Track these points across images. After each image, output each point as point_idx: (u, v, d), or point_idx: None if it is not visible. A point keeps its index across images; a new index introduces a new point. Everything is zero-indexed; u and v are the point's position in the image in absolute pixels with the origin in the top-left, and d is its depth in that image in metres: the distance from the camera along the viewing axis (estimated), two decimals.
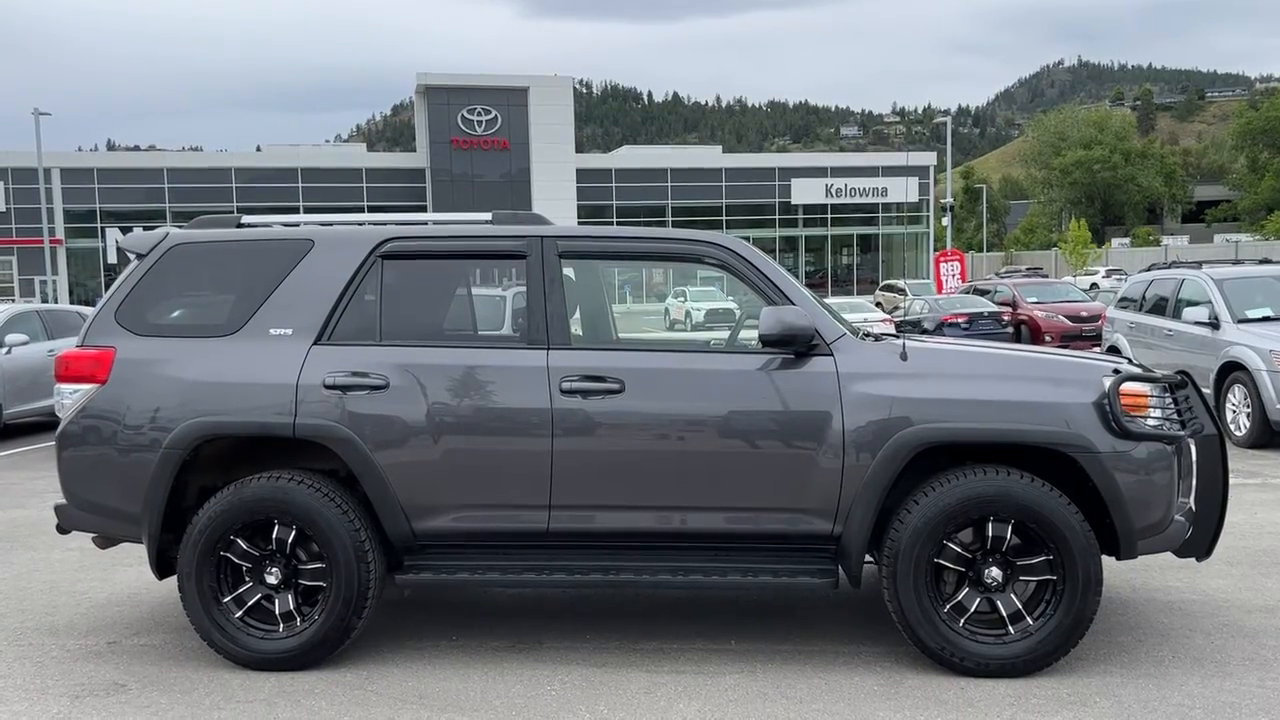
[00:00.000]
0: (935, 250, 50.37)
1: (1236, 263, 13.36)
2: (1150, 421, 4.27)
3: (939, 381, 4.32)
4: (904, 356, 4.38)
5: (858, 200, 59.07)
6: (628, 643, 4.70)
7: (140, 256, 4.73)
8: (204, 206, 46.61)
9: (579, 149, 62.47)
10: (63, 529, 4.73)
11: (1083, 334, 20.19)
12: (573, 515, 4.40)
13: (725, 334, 6.11)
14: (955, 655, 4.19)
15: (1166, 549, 4.42)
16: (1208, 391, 10.11)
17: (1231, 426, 10.01)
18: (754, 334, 4.44)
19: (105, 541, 4.82)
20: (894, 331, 9.22)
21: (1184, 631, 4.72)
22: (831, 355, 4.36)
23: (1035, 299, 22.74)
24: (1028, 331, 21.78)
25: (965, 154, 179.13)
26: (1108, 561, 4.38)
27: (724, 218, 56.58)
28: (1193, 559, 4.57)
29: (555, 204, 50.01)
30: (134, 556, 5.71)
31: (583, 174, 56.28)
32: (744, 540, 4.43)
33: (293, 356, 4.46)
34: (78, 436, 4.53)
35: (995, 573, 4.23)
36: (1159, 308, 11.89)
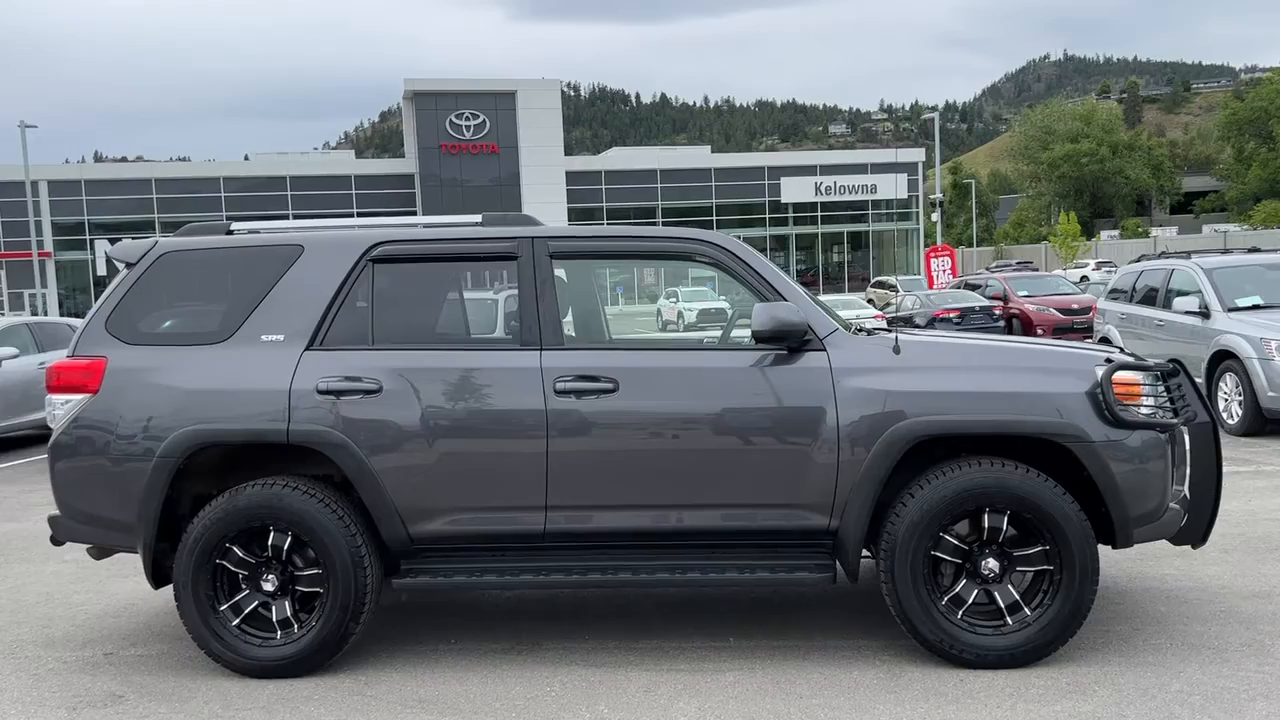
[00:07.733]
0: (926, 246, 50.46)
1: (1225, 252, 13.39)
2: (1143, 410, 4.28)
3: (933, 374, 4.33)
4: (897, 350, 4.38)
5: (847, 198, 59.17)
6: (627, 642, 4.70)
7: (130, 265, 4.71)
8: (192, 216, 46.32)
9: (568, 151, 62.45)
10: (57, 540, 4.71)
11: (1074, 326, 20.28)
12: (569, 516, 4.39)
13: (718, 334, 6.11)
14: (954, 647, 4.19)
15: (1162, 537, 4.44)
16: (1200, 380, 10.14)
17: (1224, 415, 10.03)
18: (747, 332, 4.44)
19: (100, 552, 4.81)
20: (886, 327, 9.24)
21: (1181, 619, 4.73)
22: (825, 350, 4.36)
23: (1026, 292, 22.83)
24: (1019, 325, 21.85)
25: (953, 150, 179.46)
26: (1104, 550, 4.39)
27: (714, 217, 56.63)
28: (1188, 546, 4.60)
29: (545, 207, 49.99)
30: (129, 567, 5.68)
31: (572, 176, 56.30)
32: (741, 537, 4.43)
33: (285, 362, 4.44)
34: (70, 447, 4.50)
35: (992, 564, 4.24)
36: (1149, 298, 11.93)
